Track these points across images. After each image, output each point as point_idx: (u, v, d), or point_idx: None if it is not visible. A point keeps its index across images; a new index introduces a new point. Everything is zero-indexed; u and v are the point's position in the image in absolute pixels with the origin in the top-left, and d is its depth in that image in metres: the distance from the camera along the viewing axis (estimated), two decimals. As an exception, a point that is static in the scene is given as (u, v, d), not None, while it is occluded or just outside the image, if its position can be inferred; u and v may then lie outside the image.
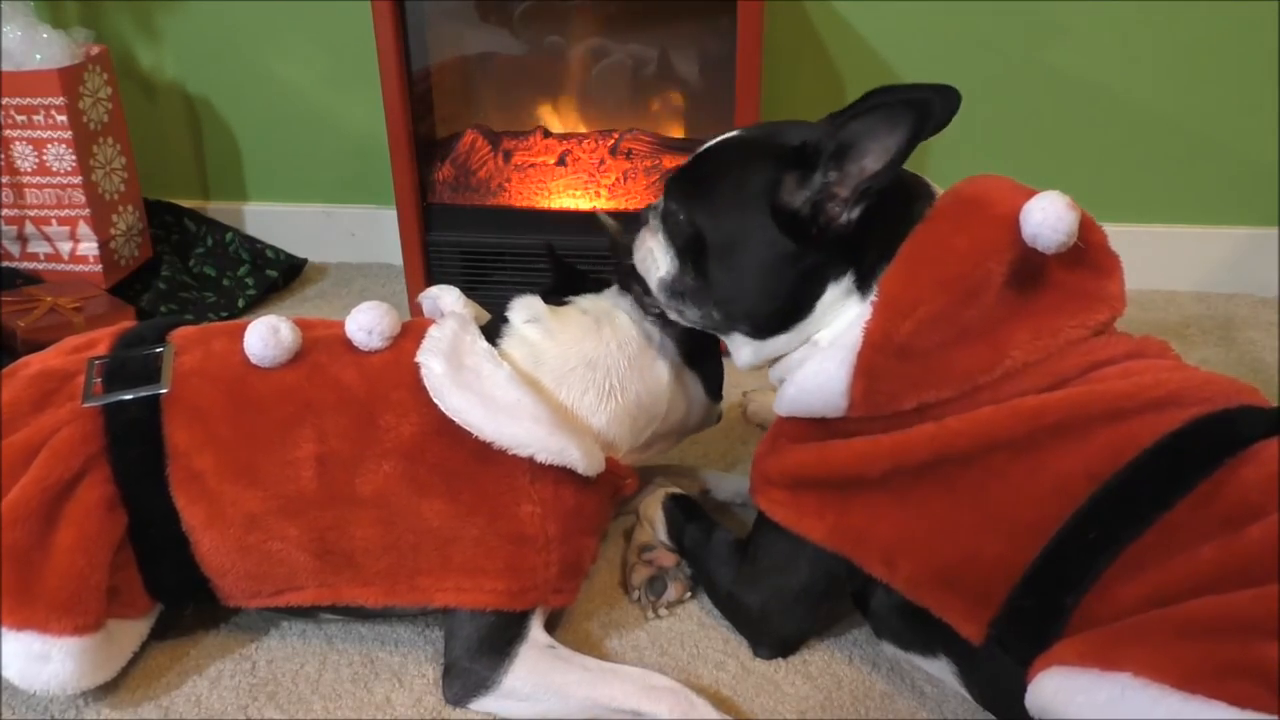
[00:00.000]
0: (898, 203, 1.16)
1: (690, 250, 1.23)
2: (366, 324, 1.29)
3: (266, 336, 1.26)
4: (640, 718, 1.19)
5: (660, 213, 1.28)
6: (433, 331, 1.27)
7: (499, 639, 1.23)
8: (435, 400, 1.22)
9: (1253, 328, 2.10)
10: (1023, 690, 1.00)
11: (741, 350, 1.28)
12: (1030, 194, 1.14)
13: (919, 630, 1.20)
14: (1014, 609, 1.05)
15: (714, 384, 1.45)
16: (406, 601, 1.25)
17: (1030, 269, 1.12)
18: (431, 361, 1.24)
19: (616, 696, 1.20)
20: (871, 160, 1.10)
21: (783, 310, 1.20)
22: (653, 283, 1.28)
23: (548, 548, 1.23)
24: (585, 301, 1.38)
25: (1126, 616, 0.97)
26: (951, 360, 1.10)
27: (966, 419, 1.09)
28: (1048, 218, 1.09)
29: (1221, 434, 1.01)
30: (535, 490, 1.23)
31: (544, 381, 1.28)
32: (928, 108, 1.06)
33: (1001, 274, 1.10)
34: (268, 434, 1.23)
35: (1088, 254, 1.14)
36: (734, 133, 1.28)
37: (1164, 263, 2.20)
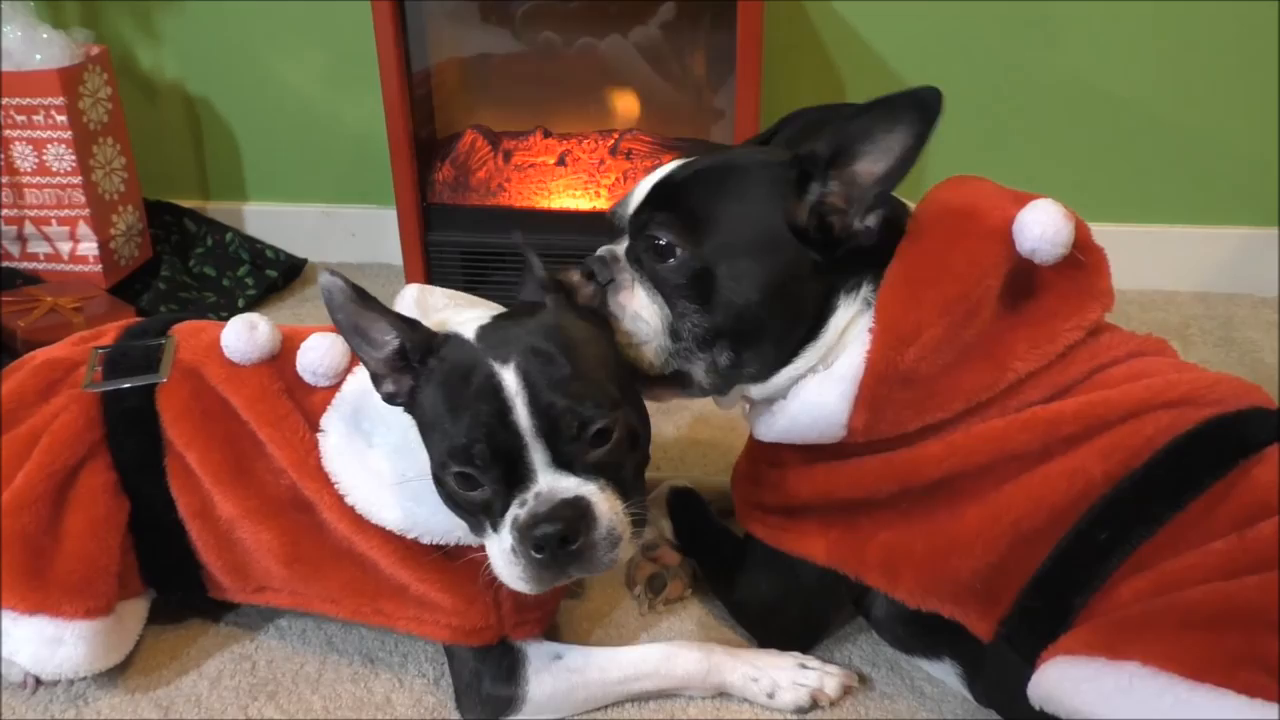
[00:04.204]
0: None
1: (694, 290, 1.11)
2: (309, 366, 1.24)
3: (243, 332, 1.25)
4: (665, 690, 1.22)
5: (632, 264, 1.15)
6: (349, 380, 1.23)
7: (499, 663, 1.21)
8: (325, 468, 1.19)
9: (1253, 328, 2.09)
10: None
11: (752, 405, 1.20)
12: (1018, 200, 1.11)
13: (922, 636, 1.20)
14: (1022, 609, 1.04)
15: None
16: (372, 623, 1.24)
17: (1021, 277, 1.10)
18: (330, 424, 1.21)
19: (633, 687, 1.22)
20: (870, 162, 1.07)
21: (798, 334, 1.12)
22: (650, 346, 1.15)
23: (493, 588, 1.15)
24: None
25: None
26: (955, 381, 1.08)
27: (977, 434, 1.07)
28: (1046, 231, 1.07)
29: (1233, 436, 1.01)
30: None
31: None
32: (926, 102, 1.02)
33: (997, 289, 1.08)
34: (252, 438, 1.23)
35: (1072, 252, 1.10)
36: (700, 160, 1.18)
37: (1164, 263, 2.19)
